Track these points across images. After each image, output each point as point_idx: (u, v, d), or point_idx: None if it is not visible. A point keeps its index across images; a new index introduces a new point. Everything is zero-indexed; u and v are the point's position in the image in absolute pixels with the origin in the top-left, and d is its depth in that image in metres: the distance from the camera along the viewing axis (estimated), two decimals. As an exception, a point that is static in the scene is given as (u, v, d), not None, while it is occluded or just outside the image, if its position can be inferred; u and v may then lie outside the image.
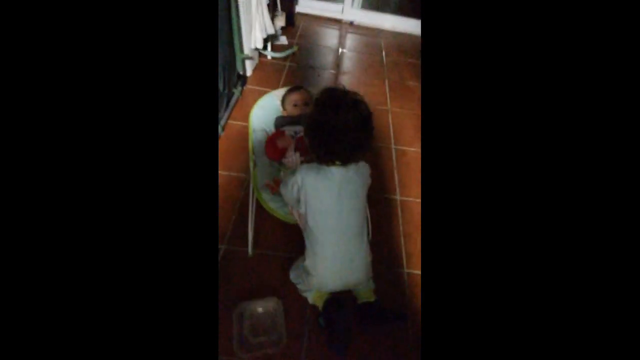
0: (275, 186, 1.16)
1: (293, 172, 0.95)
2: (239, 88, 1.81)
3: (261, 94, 1.89)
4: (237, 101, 1.78)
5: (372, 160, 1.58)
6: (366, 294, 1.06)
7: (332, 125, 0.84)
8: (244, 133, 1.58)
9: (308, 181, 0.90)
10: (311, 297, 1.07)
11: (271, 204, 1.12)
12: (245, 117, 1.48)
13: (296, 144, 1.25)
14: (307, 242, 0.98)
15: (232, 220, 1.29)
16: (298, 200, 0.95)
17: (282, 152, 1.20)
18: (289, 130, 1.27)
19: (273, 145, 1.22)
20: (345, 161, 0.90)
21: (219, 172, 1.45)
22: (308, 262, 0.98)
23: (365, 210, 1.00)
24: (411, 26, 2.63)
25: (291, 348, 1.00)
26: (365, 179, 0.97)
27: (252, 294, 1.10)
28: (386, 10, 2.68)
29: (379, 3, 2.69)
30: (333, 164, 0.90)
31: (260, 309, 1.05)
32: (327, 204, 0.92)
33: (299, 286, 1.09)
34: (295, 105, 1.29)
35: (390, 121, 1.88)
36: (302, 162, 1.12)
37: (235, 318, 1.01)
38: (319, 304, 1.05)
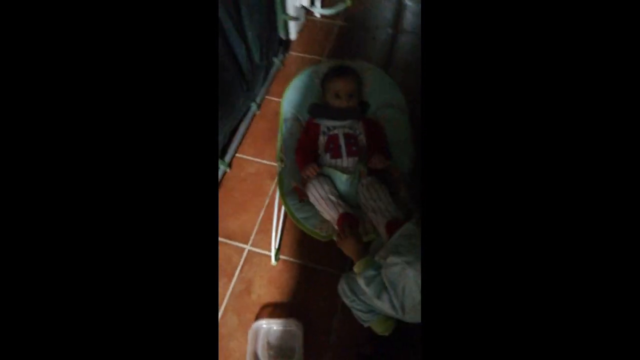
0: (304, 192, 0.99)
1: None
2: (280, 56, 1.59)
3: (306, 62, 1.65)
4: (277, 72, 1.57)
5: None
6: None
7: None
8: (281, 113, 1.40)
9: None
10: (375, 322, 0.91)
11: (298, 215, 0.97)
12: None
13: (327, 143, 1.04)
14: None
15: (260, 217, 1.18)
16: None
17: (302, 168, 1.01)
18: (324, 124, 1.06)
19: (300, 154, 1.04)
20: None
21: (250, 158, 1.31)
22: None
23: None
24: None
25: (308, 376, 0.92)
26: None
27: (272, 307, 1.02)
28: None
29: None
30: None
31: (278, 329, 0.97)
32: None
33: (356, 312, 0.92)
34: (337, 96, 1.05)
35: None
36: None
37: (250, 335, 0.94)
38: (381, 330, 0.90)
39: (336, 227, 0.90)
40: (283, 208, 1.07)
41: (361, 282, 0.74)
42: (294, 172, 1.04)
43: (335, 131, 1.05)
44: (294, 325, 0.95)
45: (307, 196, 0.98)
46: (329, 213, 0.91)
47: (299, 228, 0.97)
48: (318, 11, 1.77)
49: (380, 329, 0.91)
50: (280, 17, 1.49)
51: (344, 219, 0.89)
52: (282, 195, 1.01)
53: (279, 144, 1.08)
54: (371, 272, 0.73)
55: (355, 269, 0.78)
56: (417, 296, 0.64)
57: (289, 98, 1.16)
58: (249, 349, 0.92)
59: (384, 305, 0.70)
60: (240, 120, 1.36)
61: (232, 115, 1.27)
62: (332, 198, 0.92)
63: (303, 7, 1.64)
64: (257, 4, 1.23)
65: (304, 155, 1.04)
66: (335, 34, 1.78)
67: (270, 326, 0.97)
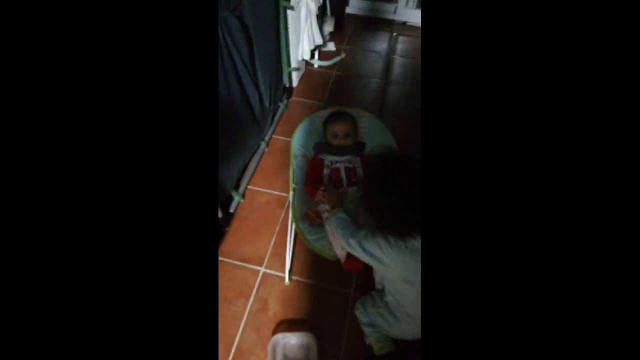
0: (314, 217, 1.13)
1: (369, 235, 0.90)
2: (284, 102, 1.80)
3: (306, 106, 1.87)
4: (281, 115, 1.77)
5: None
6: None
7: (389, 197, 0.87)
8: (288, 149, 1.58)
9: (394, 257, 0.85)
10: (374, 337, 1.02)
11: (309, 236, 1.10)
12: (290, 132, 1.47)
13: (330, 175, 1.21)
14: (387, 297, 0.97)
15: (272, 242, 1.30)
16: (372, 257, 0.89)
17: (312, 195, 1.17)
18: (327, 159, 1.24)
19: (310, 186, 1.20)
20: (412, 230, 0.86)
21: (260, 189, 1.46)
22: (392, 308, 0.96)
23: None
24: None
25: (323, 387, 1.00)
26: None
27: (287, 323, 1.11)
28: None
29: (435, 1, 2.49)
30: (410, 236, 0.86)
31: (294, 343, 1.05)
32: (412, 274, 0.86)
33: (364, 326, 1.04)
34: (335, 137, 1.24)
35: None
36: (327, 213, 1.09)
37: (269, 349, 1.02)
38: (378, 347, 1.01)
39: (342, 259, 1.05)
40: (293, 233, 1.21)
41: (332, 220, 0.99)
42: (304, 200, 1.19)
43: (337, 165, 1.23)
44: (309, 339, 1.04)
45: (316, 221, 1.12)
46: (340, 251, 1.05)
47: (309, 250, 1.09)
48: (317, 63, 2.03)
49: (376, 346, 1.01)
50: (285, 70, 1.72)
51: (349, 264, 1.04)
52: (294, 219, 1.14)
53: (290, 176, 1.24)
54: (341, 215, 0.99)
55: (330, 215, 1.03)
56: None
57: (297, 138, 1.34)
58: (268, 362, 1.00)
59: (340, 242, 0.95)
60: (252, 157, 1.53)
61: (245, 152, 1.44)
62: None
63: (304, 60, 1.89)
64: (267, 57, 1.45)
65: (312, 184, 1.20)
66: (331, 82, 2.02)
67: (287, 340, 1.05)
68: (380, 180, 0.91)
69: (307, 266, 1.24)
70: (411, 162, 0.89)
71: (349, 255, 0.99)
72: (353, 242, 0.90)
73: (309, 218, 1.15)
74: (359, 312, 1.06)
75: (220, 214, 1.26)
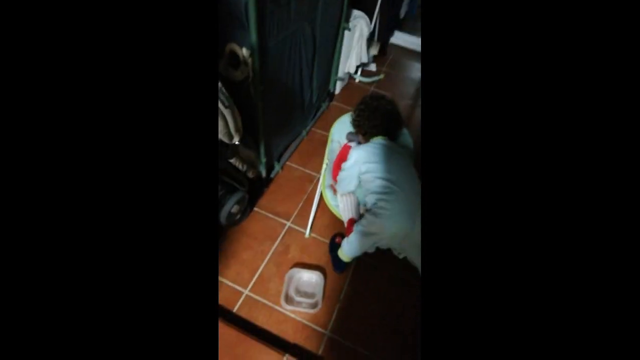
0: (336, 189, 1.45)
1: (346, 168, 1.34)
2: (327, 103, 2.15)
3: (343, 111, 2.21)
4: (322, 113, 2.12)
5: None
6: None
7: (368, 105, 1.43)
8: (322, 141, 1.91)
9: (363, 154, 1.30)
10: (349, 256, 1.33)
11: (331, 202, 1.42)
12: (326, 127, 1.81)
13: (342, 150, 1.54)
14: (371, 199, 1.24)
15: (299, 207, 1.61)
16: (357, 178, 1.29)
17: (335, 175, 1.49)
18: (354, 146, 1.57)
19: (336, 166, 1.52)
20: (384, 134, 1.37)
21: (296, 166, 1.78)
22: (376, 214, 1.19)
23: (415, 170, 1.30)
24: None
25: (323, 315, 1.27)
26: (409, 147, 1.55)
27: (302, 265, 1.40)
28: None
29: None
30: (376, 136, 1.36)
31: (305, 277, 1.34)
32: (386, 165, 1.23)
33: (345, 249, 1.31)
34: None
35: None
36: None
37: (286, 279, 1.31)
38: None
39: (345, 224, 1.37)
40: (319, 198, 1.52)
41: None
42: (332, 174, 1.50)
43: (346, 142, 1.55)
44: (317, 277, 1.33)
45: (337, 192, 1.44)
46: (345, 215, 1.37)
47: (328, 215, 1.40)
48: (358, 78, 2.39)
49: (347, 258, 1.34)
50: (333, 77, 2.07)
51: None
52: (323, 186, 1.46)
53: (326, 154, 1.57)
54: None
55: None
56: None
57: (336, 127, 1.68)
58: (284, 289, 1.29)
59: (347, 174, 1.36)
60: (293, 140, 1.87)
61: (290, 134, 1.78)
62: (354, 210, 1.37)
63: (349, 72, 2.24)
64: (323, 64, 1.81)
65: (338, 166, 1.52)
66: (368, 95, 2.37)
67: (301, 275, 1.34)
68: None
69: (325, 228, 1.54)
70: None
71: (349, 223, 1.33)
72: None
73: (334, 189, 1.46)
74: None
75: (264, 174, 1.59)
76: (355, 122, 1.45)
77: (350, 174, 1.31)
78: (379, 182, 1.21)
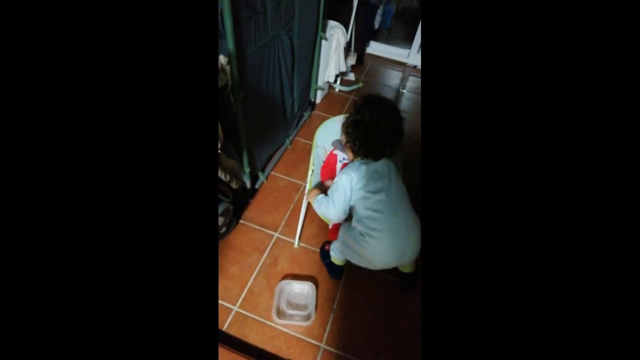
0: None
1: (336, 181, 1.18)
2: (308, 112, 2.15)
3: (325, 119, 2.21)
4: (304, 122, 2.11)
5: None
6: (411, 266, 1.31)
7: (366, 124, 1.05)
8: (306, 149, 1.89)
9: (358, 174, 1.09)
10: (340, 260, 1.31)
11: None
12: (309, 136, 1.80)
13: (341, 168, 1.52)
14: (358, 228, 1.11)
15: (286, 217, 1.57)
16: (348, 198, 1.12)
17: (324, 180, 1.47)
18: (340, 155, 1.55)
19: (323, 173, 1.50)
20: (375, 157, 1.10)
21: (281, 176, 1.75)
22: (362, 245, 1.09)
23: (406, 190, 1.16)
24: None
25: (317, 326, 1.22)
26: (396, 166, 1.21)
27: (292, 277, 1.34)
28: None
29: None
30: (366, 158, 1.11)
31: (297, 288, 1.29)
32: (378, 187, 1.08)
33: (335, 254, 1.29)
34: None
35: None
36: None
37: (276, 292, 1.25)
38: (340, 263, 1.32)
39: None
40: (306, 206, 1.48)
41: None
42: (318, 180, 1.48)
43: (347, 160, 1.53)
44: (309, 287, 1.28)
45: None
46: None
47: (316, 224, 1.37)
48: (338, 87, 2.41)
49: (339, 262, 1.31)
50: (313, 86, 2.08)
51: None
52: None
53: (311, 160, 1.54)
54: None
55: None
56: None
57: (320, 134, 1.66)
58: (275, 302, 1.23)
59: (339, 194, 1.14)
60: (277, 149, 1.84)
61: (274, 143, 1.75)
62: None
63: (328, 82, 2.26)
64: (303, 73, 1.81)
65: (325, 173, 1.50)
66: (348, 104, 2.38)
67: (291, 286, 1.29)
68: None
69: (314, 236, 1.50)
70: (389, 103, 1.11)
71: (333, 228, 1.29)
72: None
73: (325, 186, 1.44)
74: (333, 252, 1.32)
75: (248, 185, 1.54)
76: (347, 136, 1.13)
77: (340, 206, 1.16)
78: (367, 214, 1.09)
